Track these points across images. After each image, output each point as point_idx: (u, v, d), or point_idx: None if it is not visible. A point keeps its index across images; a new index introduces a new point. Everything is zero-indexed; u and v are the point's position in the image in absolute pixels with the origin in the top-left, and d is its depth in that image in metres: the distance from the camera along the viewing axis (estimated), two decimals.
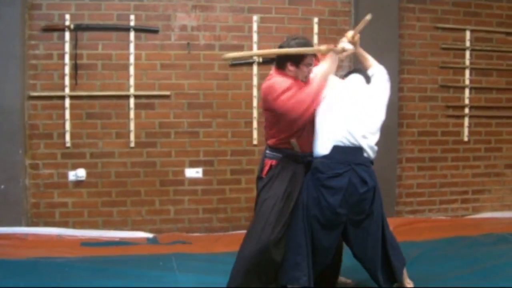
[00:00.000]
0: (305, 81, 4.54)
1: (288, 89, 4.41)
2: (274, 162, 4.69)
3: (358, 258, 4.74)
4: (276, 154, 4.68)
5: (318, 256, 4.55)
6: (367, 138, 4.54)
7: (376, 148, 4.60)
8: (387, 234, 4.71)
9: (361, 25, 4.78)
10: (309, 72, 4.56)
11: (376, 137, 4.61)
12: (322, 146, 4.53)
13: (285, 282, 4.53)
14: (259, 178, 4.78)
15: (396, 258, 4.72)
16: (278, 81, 4.47)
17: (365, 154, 4.54)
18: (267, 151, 4.76)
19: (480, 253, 6.07)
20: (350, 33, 4.80)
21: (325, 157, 4.50)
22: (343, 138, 4.50)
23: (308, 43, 4.65)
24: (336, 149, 4.49)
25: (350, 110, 4.55)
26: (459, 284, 5.13)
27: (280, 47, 4.60)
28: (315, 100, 4.47)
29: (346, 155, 4.48)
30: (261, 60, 7.08)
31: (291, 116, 4.43)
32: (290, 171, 4.62)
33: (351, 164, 4.45)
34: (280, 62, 4.56)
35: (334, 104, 4.57)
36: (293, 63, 4.49)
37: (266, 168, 4.73)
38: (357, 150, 4.52)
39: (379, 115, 4.64)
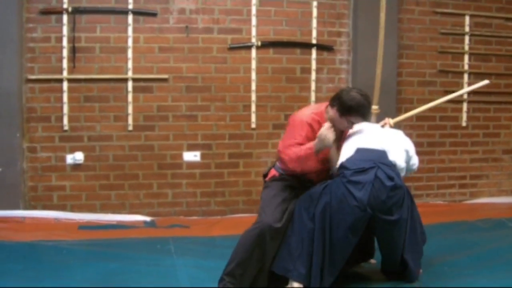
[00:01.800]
0: (340, 129, 4.68)
1: (295, 144, 4.62)
2: (277, 174, 4.87)
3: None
4: (281, 170, 4.84)
5: (338, 254, 4.48)
6: (393, 147, 4.69)
7: (402, 166, 4.73)
8: (410, 238, 4.73)
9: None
10: (346, 128, 4.68)
11: (401, 157, 4.73)
12: (346, 154, 4.62)
13: (276, 270, 4.53)
14: (264, 181, 4.97)
15: (413, 261, 4.77)
16: (297, 124, 4.69)
17: (390, 158, 4.59)
18: (277, 163, 4.92)
19: (477, 238, 6.10)
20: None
21: (350, 156, 4.57)
22: (367, 143, 4.64)
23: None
24: (360, 150, 4.59)
25: (379, 132, 4.87)
26: (455, 269, 5.14)
27: (340, 97, 4.60)
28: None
29: (370, 154, 4.55)
30: (259, 43, 7.05)
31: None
32: (290, 182, 4.79)
33: (376, 162, 4.49)
34: (332, 101, 4.65)
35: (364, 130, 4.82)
36: (338, 111, 4.56)
37: (270, 175, 4.94)
38: (382, 152, 4.60)
39: (405, 149, 4.85)
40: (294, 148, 4.57)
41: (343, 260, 4.55)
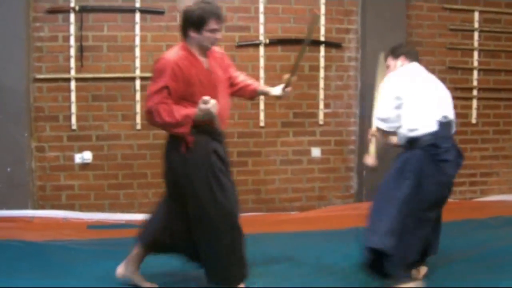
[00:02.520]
0: (210, 47, 4.32)
1: (160, 91, 4.12)
2: (191, 139, 4.24)
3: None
4: (194, 130, 4.23)
5: (422, 231, 4.57)
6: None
7: None
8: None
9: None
10: (214, 38, 4.26)
11: None
12: (427, 123, 4.56)
13: (378, 245, 4.47)
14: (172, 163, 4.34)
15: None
16: (159, 69, 4.17)
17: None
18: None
19: (487, 236, 6.06)
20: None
21: (436, 132, 4.54)
22: (442, 114, 4.61)
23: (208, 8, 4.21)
24: (442, 124, 4.58)
25: (441, 90, 4.80)
26: (466, 267, 5.11)
27: (184, 19, 4.24)
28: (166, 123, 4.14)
29: (449, 129, 4.64)
30: (267, 41, 7.03)
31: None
32: (211, 150, 4.32)
33: (451, 137, 4.64)
34: (183, 31, 4.27)
35: (430, 85, 4.80)
36: (194, 29, 4.18)
37: (182, 147, 4.26)
38: (451, 124, 4.69)
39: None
40: (164, 105, 4.09)
41: (418, 247, 4.59)
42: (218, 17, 4.23)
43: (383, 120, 4.72)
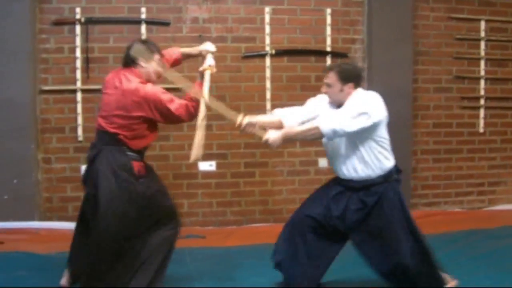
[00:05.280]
0: (155, 79, 4.57)
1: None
2: (141, 164, 4.65)
3: None
4: (140, 156, 4.65)
5: None
6: None
7: None
8: None
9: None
10: (158, 71, 4.54)
11: None
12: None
13: None
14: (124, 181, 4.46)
15: None
16: (154, 88, 4.44)
17: None
18: (131, 153, 4.54)
19: (496, 246, 6.02)
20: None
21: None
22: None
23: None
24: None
25: None
26: (474, 277, 5.07)
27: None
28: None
29: None
30: (273, 52, 7.02)
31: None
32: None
33: None
34: (129, 60, 4.48)
35: None
36: (143, 58, 4.44)
37: (136, 169, 4.55)
38: None
39: None
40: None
41: None
42: (160, 52, 4.62)
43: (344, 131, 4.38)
